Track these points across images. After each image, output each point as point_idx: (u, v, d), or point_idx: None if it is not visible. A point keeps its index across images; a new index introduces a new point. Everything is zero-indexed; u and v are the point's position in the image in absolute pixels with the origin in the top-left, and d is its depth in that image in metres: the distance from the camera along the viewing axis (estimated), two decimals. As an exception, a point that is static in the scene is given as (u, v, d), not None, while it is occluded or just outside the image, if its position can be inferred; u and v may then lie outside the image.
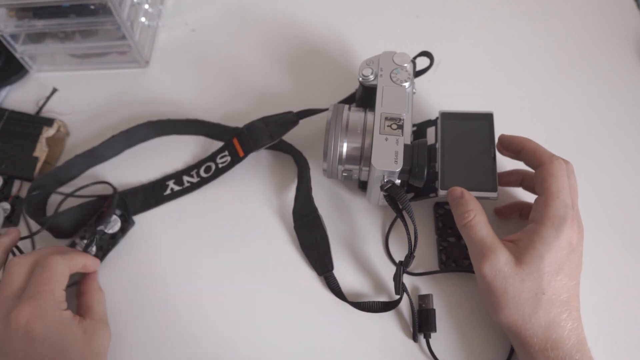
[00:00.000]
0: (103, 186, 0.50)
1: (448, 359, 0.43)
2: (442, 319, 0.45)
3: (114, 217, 0.47)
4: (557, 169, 0.41)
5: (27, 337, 0.37)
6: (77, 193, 0.49)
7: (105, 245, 0.47)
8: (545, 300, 0.38)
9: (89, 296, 0.44)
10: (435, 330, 0.44)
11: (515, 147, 0.44)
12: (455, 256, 0.47)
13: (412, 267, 0.47)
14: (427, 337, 0.44)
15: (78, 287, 0.45)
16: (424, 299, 0.45)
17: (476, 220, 0.41)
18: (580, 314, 0.40)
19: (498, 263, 0.39)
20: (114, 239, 0.47)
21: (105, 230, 0.47)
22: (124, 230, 0.48)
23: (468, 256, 0.46)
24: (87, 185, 0.50)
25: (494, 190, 0.43)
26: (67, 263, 0.41)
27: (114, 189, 0.49)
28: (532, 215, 0.41)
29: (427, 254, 0.48)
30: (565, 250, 0.39)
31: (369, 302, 0.45)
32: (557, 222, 0.39)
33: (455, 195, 0.43)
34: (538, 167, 0.42)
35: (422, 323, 0.44)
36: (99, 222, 0.46)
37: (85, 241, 0.46)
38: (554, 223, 0.39)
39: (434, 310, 0.44)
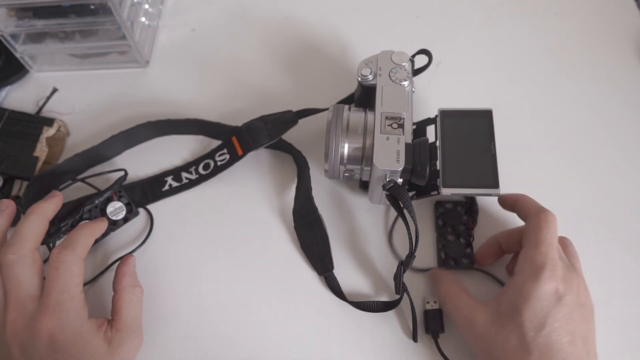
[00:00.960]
0: (105, 181, 0.50)
1: (455, 357, 0.43)
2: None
3: (120, 204, 0.48)
4: (542, 221, 0.39)
5: (50, 348, 0.37)
6: (80, 182, 0.50)
7: (106, 230, 0.47)
8: (537, 356, 0.35)
9: (118, 297, 0.41)
10: (443, 331, 0.44)
11: (510, 202, 0.44)
12: (454, 254, 0.47)
13: (412, 264, 0.47)
14: (435, 337, 0.43)
15: (113, 282, 0.43)
16: (431, 299, 0.45)
17: (449, 292, 0.42)
18: None
19: (476, 327, 0.38)
20: (115, 225, 0.48)
21: (110, 217, 0.47)
22: (126, 219, 0.48)
23: (467, 254, 0.46)
24: (101, 173, 0.50)
25: (496, 186, 0.43)
26: (80, 258, 0.39)
27: (125, 173, 0.49)
28: (514, 268, 0.40)
29: (426, 252, 0.48)
30: (546, 300, 0.36)
31: (369, 302, 0.45)
32: (534, 270, 0.37)
33: (432, 276, 0.45)
34: (526, 220, 0.41)
35: (429, 323, 0.44)
36: (105, 206, 0.47)
37: (86, 222, 0.45)
38: (530, 272, 0.37)
39: (441, 310, 0.44)
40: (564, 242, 0.42)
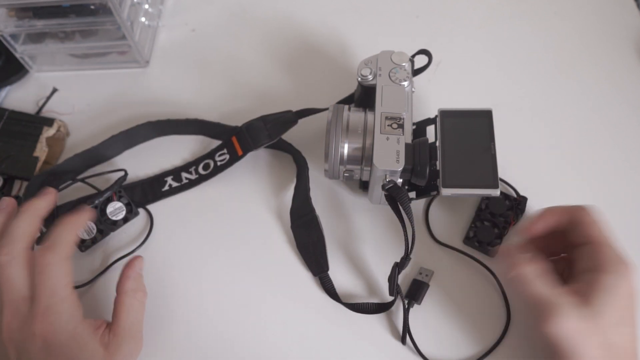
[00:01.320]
0: (105, 181, 0.50)
1: (421, 335, 0.44)
2: (431, 297, 0.45)
3: (120, 205, 0.48)
4: (591, 215, 0.39)
5: (45, 351, 0.36)
6: (80, 182, 0.50)
7: (106, 230, 0.47)
8: (614, 356, 0.35)
9: (119, 301, 0.40)
10: (419, 303, 0.45)
11: (548, 219, 0.41)
12: (482, 237, 0.47)
13: (439, 235, 0.48)
14: (409, 305, 0.44)
15: (117, 284, 0.42)
16: (426, 272, 0.46)
17: (526, 272, 0.38)
18: None
19: (564, 320, 0.35)
20: (115, 225, 0.48)
21: (110, 217, 0.47)
22: (126, 219, 0.48)
23: (492, 243, 0.47)
24: (101, 173, 0.50)
25: (496, 187, 0.43)
26: (63, 258, 0.38)
27: (125, 173, 0.49)
28: (582, 265, 0.39)
29: (456, 229, 0.49)
30: (629, 298, 0.37)
31: (363, 303, 0.45)
32: (615, 267, 0.37)
33: (502, 253, 0.43)
34: (572, 220, 0.40)
35: (411, 290, 0.45)
36: (105, 206, 0.47)
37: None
38: (613, 270, 0.37)
39: (428, 285, 0.45)
40: None
